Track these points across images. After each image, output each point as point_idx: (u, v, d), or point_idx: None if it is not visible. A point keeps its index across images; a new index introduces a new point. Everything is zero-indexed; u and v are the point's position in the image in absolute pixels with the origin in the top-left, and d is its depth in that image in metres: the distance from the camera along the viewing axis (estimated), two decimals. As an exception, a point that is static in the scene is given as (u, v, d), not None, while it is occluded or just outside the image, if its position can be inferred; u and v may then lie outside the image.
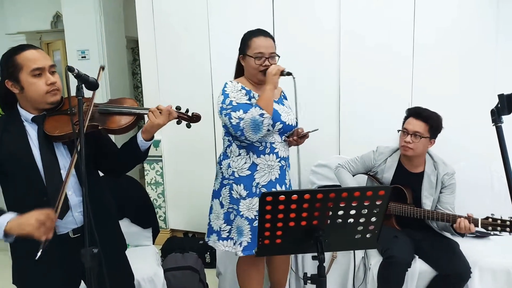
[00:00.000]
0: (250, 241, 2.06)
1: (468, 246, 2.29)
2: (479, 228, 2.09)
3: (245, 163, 2.07)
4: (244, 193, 2.06)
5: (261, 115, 1.92)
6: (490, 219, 2.04)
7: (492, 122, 1.36)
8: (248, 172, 2.06)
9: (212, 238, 2.18)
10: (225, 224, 2.11)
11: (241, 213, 2.06)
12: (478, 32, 2.73)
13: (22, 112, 1.52)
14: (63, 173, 1.51)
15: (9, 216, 1.36)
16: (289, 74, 2.00)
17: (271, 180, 2.08)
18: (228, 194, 2.10)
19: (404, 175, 2.37)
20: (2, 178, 1.50)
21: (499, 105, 1.33)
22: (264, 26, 2.92)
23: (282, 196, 1.31)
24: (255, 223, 2.03)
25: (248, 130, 1.94)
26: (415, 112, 2.32)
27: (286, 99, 2.27)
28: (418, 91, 2.85)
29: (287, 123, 2.10)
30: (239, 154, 2.08)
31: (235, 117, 1.96)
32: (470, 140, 2.75)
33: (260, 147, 2.06)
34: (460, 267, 2.12)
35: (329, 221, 1.38)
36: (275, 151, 2.08)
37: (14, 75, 1.45)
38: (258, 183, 2.06)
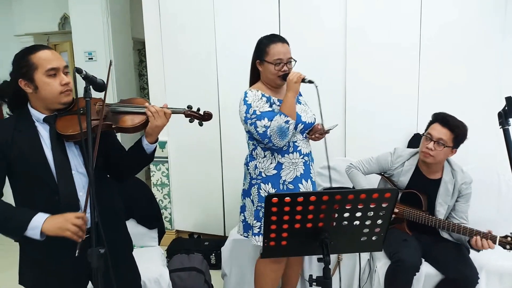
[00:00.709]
0: None
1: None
2: (496, 245, 2.03)
3: (271, 163, 2.17)
4: (272, 191, 2.18)
5: (287, 122, 2.03)
6: (509, 238, 1.99)
7: (499, 125, 1.36)
8: (275, 172, 2.16)
9: (249, 233, 2.27)
10: (256, 221, 2.21)
11: None
12: (484, 31, 2.72)
13: (33, 112, 1.52)
14: (74, 173, 1.52)
15: (43, 216, 1.39)
16: (310, 82, 2.05)
17: (296, 176, 2.17)
18: (257, 193, 2.19)
19: (421, 180, 2.31)
20: (12, 177, 1.50)
21: (506, 108, 1.33)
22: (270, 26, 2.96)
23: (287, 198, 1.31)
24: None
25: (275, 137, 2.05)
26: (442, 119, 2.23)
27: (301, 95, 2.33)
28: (424, 90, 2.84)
29: (307, 122, 2.21)
30: (265, 156, 2.18)
31: (261, 126, 2.06)
32: (477, 142, 2.72)
33: (284, 147, 2.15)
34: (467, 272, 2.09)
35: (334, 223, 1.38)
36: (298, 149, 2.18)
37: (28, 74, 1.46)
38: (284, 181, 2.16)
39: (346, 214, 1.36)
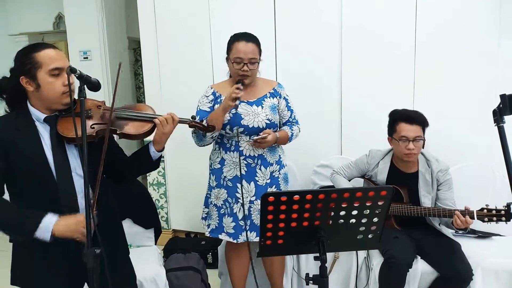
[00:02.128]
0: (217, 225, 2.28)
1: (470, 247, 2.29)
2: (475, 220, 2.08)
3: (217, 157, 2.26)
4: (214, 183, 2.27)
5: None
6: (485, 210, 2.05)
7: (494, 122, 1.36)
8: (219, 166, 2.26)
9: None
10: (204, 206, 2.37)
11: (211, 200, 2.30)
12: (480, 29, 2.72)
13: (33, 111, 1.49)
14: (74, 175, 1.50)
15: (53, 218, 1.38)
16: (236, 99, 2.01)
17: (236, 175, 2.21)
18: (208, 182, 2.34)
19: (399, 176, 2.36)
20: (10, 177, 1.46)
21: (501, 105, 1.33)
22: (265, 23, 2.96)
23: (284, 196, 1.31)
24: (222, 211, 2.26)
25: (194, 137, 2.18)
26: (406, 117, 2.26)
27: (275, 96, 2.27)
28: (420, 88, 2.85)
29: (250, 126, 2.16)
30: (215, 149, 2.29)
31: None
32: (472, 140, 2.75)
33: (227, 144, 2.22)
34: (461, 268, 2.11)
35: (331, 222, 1.38)
36: (240, 149, 2.19)
37: (31, 72, 1.43)
38: (225, 177, 2.23)
39: (342, 213, 1.36)
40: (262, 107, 2.21)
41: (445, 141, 2.72)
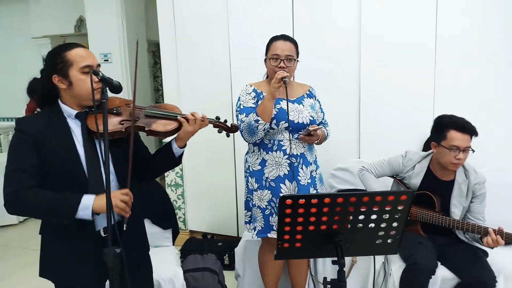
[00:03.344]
0: (263, 226, 2.23)
1: (493, 253, 2.23)
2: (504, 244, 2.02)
3: (257, 158, 2.24)
4: (255, 185, 2.24)
5: (256, 121, 2.08)
6: None
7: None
8: (259, 167, 2.23)
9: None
10: (246, 210, 2.36)
11: (254, 203, 2.26)
12: (500, 30, 2.67)
13: (65, 108, 1.54)
14: (102, 169, 1.53)
15: (91, 196, 1.44)
16: (284, 81, 2.00)
17: (279, 175, 2.19)
18: (246, 185, 2.33)
19: (433, 182, 2.29)
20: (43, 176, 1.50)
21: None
22: (283, 27, 2.96)
23: (302, 200, 1.30)
24: (267, 212, 2.22)
25: (245, 132, 2.14)
26: (459, 126, 2.16)
27: (311, 97, 2.32)
28: (440, 90, 2.80)
29: (295, 122, 2.17)
30: (253, 151, 2.27)
31: (239, 119, 2.18)
32: (493, 143, 2.69)
33: (269, 144, 2.20)
34: (485, 275, 2.06)
35: (349, 226, 1.37)
36: (283, 148, 2.18)
37: (63, 70, 1.49)
38: (267, 177, 2.21)
39: (361, 217, 1.35)
40: (303, 105, 2.23)
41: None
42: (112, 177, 1.56)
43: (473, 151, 2.16)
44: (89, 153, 1.52)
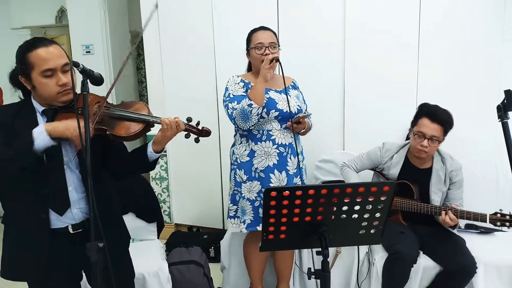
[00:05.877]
0: (252, 219, 2.23)
1: (472, 242, 2.28)
2: (487, 224, 2.07)
3: (245, 150, 2.23)
4: (244, 177, 2.23)
5: (250, 105, 2.07)
6: (498, 215, 2.03)
7: (498, 118, 1.36)
8: (248, 159, 2.23)
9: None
10: (232, 204, 2.33)
11: (243, 195, 2.24)
12: (484, 23, 2.70)
13: (34, 103, 1.52)
14: (65, 168, 1.51)
15: (41, 124, 1.41)
16: (277, 60, 2.09)
17: (268, 165, 2.19)
18: (233, 178, 2.29)
19: (412, 171, 2.35)
20: None
21: (505, 101, 1.33)
22: (268, 18, 2.94)
23: (286, 191, 1.31)
24: (256, 203, 2.22)
25: (238, 118, 2.12)
26: (431, 114, 2.22)
27: (295, 89, 2.35)
28: (423, 83, 2.83)
29: (284, 111, 2.17)
30: (241, 142, 2.26)
31: (230, 108, 2.16)
32: (476, 136, 2.73)
33: (258, 135, 2.20)
34: (465, 262, 2.11)
35: (333, 217, 1.38)
36: (272, 138, 2.19)
37: (26, 72, 1.45)
38: (256, 168, 2.21)
39: (345, 208, 1.36)
40: (289, 95, 2.23)
41: (448, 137, 2.71)
42: (75, 175, 1.54)
43: (439, 142, 2.21)
44: (52, 150, 1.44)
